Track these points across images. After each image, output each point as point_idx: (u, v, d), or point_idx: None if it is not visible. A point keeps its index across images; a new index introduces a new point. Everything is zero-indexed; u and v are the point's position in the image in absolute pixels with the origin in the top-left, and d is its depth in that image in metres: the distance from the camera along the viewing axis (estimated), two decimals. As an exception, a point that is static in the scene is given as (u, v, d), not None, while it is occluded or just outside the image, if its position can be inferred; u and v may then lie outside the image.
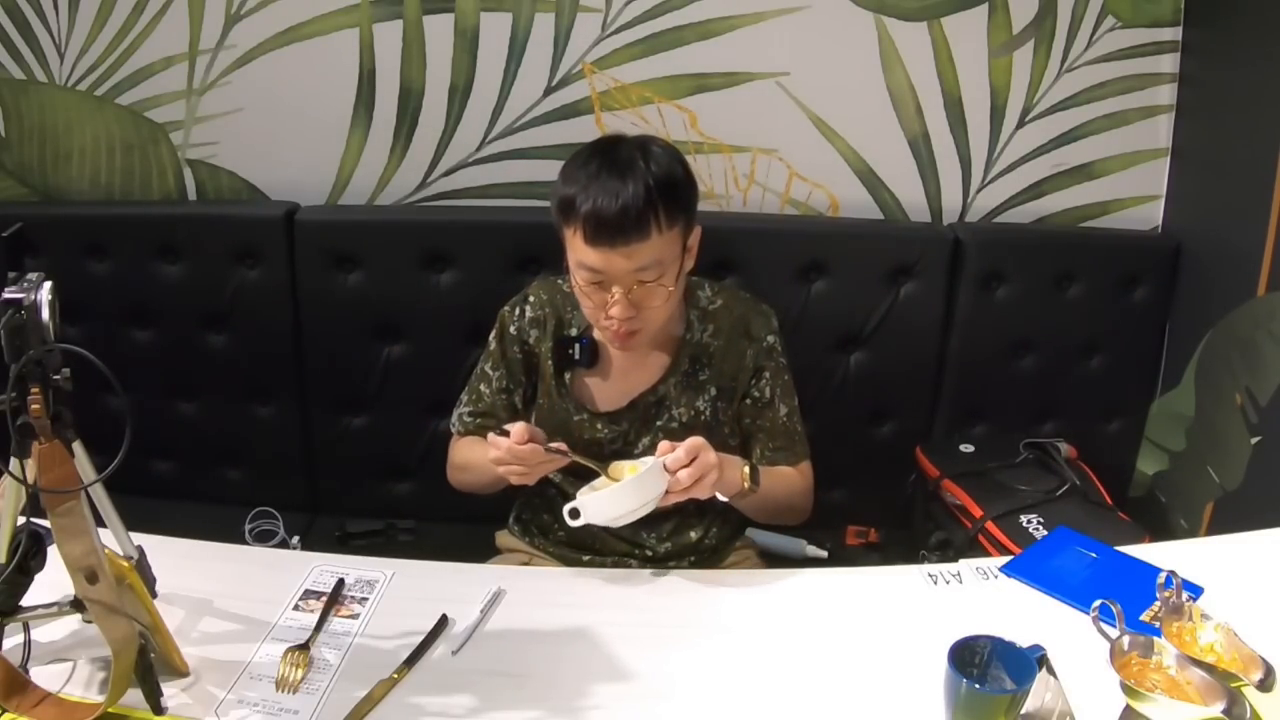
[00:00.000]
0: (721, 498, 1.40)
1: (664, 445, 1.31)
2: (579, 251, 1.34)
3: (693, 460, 1.29)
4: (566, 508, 1.31)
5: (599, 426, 1.49)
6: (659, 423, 1.50)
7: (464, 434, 1.56)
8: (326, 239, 1.99)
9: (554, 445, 1.34)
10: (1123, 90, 2.03)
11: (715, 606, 1.29)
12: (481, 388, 1.56)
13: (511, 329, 1.53)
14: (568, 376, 1.50)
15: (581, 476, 1.53)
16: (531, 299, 1.54)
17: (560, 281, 1.54)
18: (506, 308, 1.55)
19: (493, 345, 1.55)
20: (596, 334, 1.49)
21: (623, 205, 1.29)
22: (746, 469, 1.40)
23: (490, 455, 1.34)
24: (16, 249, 1.97)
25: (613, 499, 1.29)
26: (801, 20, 1.97)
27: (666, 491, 1.29)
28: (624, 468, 1.36)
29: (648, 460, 1.32)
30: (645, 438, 1.49)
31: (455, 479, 1.57)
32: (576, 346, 1.47)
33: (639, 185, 1.30)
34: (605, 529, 1.55)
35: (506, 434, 1.32)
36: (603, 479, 1.36)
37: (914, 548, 1.93)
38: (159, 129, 2.07)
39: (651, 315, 1.38)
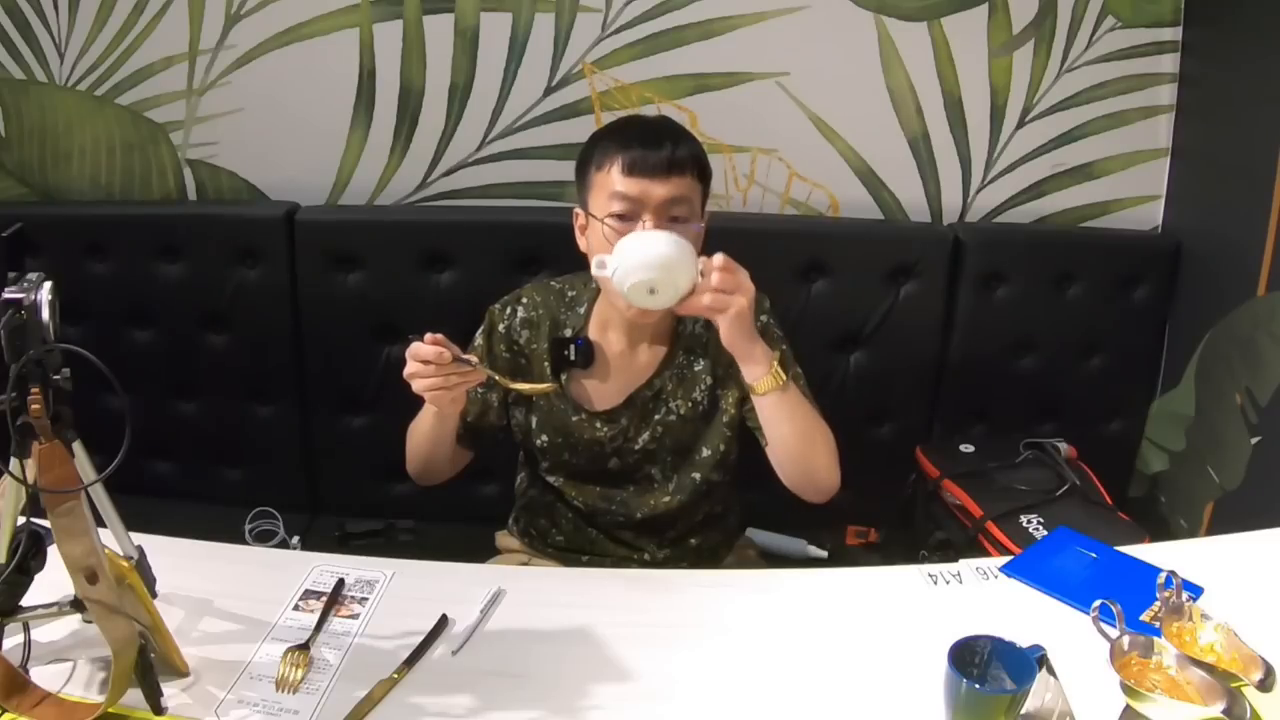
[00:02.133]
0: (750, 382, 1.36)
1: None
2: (613, 183, 1.35)
3: (729, 271, 1.27)
4: (598, 256, 1.30)
5: (598, 425, 1.49)
6: (656, 416, 1.49)
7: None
8: (326, 239, 1.99)
9: (467, 357, 1.31)
10: (1123, 90, 2.03)
11: (715, 606, 1.28)
12: None
13: (500, 327, 1.51)
14: (564, 378, 1.49)
15: (583, 480, 1.53)
16: (525, 300, 1.52)
17: (554, 283, 1.54)
18: (496, 306, 1.54)
19: (478, 341, 1.52)
20: (592, 333, 1.48)
21: (664, 144, 1.35)
22: (778, 361, 1.36)
23: (405, 373, 1.29)
24: (16, 249, 1.97)
25: (651, 238, 1.28)
26: (801, 20, 1.97)
27: (693, 293, 1.27)
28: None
29: None
30: (644, 433, 1.49)
31: (410, 463, 1.52)
32: (572, 347, 1.47)
33: (677, 136, 1.38)
34: (605, 534, 1.55)
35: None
36: None
37: (914, 548, 1.93)
38: (159, 129, 2.07)
39: None
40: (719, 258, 1.28)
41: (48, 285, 0.94)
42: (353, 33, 1.99)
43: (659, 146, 1.35)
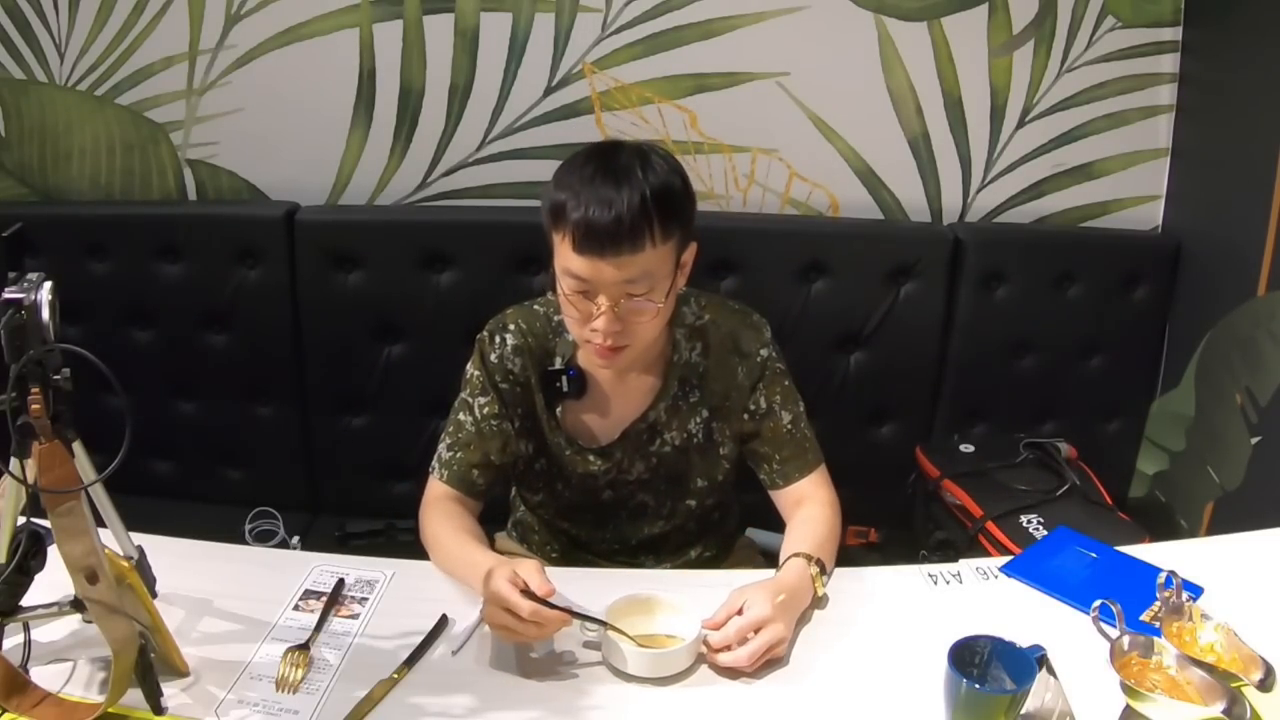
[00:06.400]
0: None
1: (719, 616, 1.18)
2: (566, 258, 1.26)
3: (748, 637, 1.15)
4: (588, 628, 1.18)
5: (591, 459, 1.45)
6: (652, 448, 1.46)
7: (443, 477, 1.43)
8: (326, 239, 1.99)
9: (590, 619, 1.18)
10: (1123, 90, 2.03)
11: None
12: (462, 417, 1.43)
13: (492, 357, 1.42)
14: (558, 410, 1.45)
15: (574, 512, 1.51)
16: (511, 327, 1.43)
17: (536, 306, 1.47)
18: (484, 334, 1.44)
19: (475, 373, 1.43)
20: (582, 362, 1.42)
21: (616, 214, 1.21)
22: (814, 569, 1.28)
23: (495, 620, 1.15)
24: (16, 249, 1.97)
25: (638, 659, 1.15)
26: (801, 20, 1.97)
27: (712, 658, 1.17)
28: (658, 605, 1.22)
29: (688, 616, 1.19)
30: (638, 464, 1.46)
31: (424, 539, 1.41)
32: (564, 379, 1.41)
33: (634, 194, 1.22)
34: (600, 556, 1.55)
35: (520, 584, 1.15)
36: (626, 602, 1.22)
37: (914, 548, 1.93)
38: (159, 129, 2.07)
39: (638, 332, 1.31)
40: (726, 639, 1.15)
41: (48, 285, 0.94)
42: (353, 33, 1.99)
43: (612, 218, 1.21)
